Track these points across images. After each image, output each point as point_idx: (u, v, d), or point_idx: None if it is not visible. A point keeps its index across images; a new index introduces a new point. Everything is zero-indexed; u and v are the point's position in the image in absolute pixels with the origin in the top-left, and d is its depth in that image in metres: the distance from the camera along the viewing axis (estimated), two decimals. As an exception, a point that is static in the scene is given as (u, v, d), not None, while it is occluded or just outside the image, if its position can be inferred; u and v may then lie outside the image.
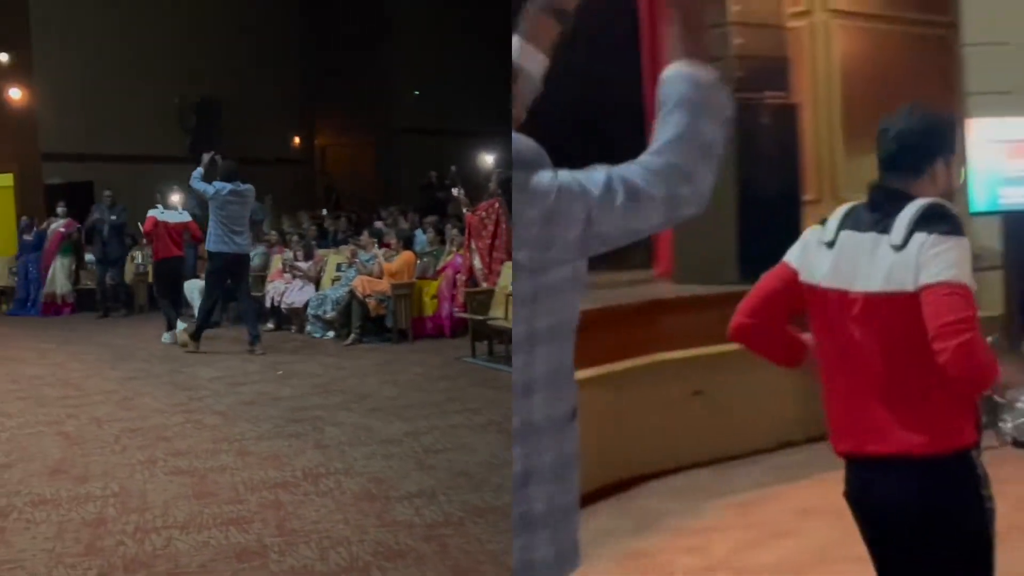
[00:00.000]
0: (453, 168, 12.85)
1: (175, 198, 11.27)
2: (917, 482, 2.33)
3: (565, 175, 1.70)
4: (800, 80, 7.45)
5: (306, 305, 10.44)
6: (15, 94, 16.51)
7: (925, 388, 2.30)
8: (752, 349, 2.66)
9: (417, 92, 20.11)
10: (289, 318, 10.80)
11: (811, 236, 2.51)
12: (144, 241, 10.73)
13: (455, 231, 10.31)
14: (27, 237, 13.91)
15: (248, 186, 9.39)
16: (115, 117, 17.23)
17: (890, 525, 2.41)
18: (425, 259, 10.38)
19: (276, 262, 11.42)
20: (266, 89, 19.99)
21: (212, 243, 9.18)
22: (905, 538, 2.40)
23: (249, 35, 19.60)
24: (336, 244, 12.71)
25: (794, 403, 6.40)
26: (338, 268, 10.84)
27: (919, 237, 2.27)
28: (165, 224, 10.03)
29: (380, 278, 9.82)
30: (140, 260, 13.05)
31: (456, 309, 9.59)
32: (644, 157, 1.71)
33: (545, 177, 1.67)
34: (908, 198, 2.34)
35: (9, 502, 4.73)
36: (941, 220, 2.28)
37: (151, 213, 10.10)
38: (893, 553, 2.45)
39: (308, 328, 10.36)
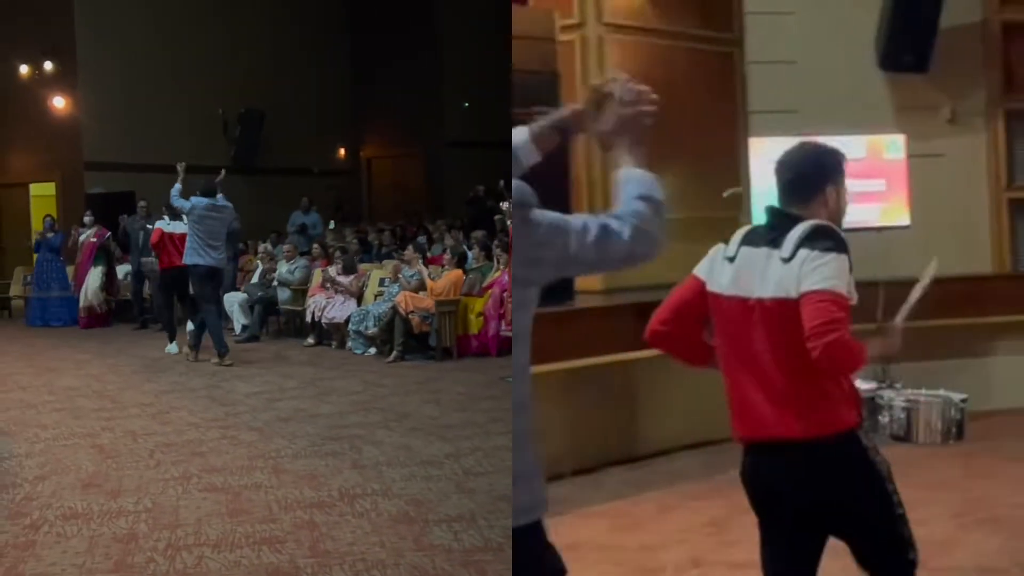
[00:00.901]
0: (502, 182, 12.85)
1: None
2: (807, 463, 2.82)
3: (553, 214, 2.25)
4: (572, 95, 7.33)
5: (347, 320, 10.49)
6: (59, 103, 16.84)
7: (808, 381, 2.79)
8: (666, 352, 3.16)
9: (467, 104, 20.20)
10: (330, 333, 10.86)
11: (717, 252, 3.01)
12: (153, 255, 11.08)
13: (499, 250, 10.31)
14: (49, 235, 14.02)
15: (227, 202, 9.69)
16: (158, 127, 17.50)
17: (783, 503, 2.89)
18: (471, 275, 10.38)
19: (317, 276, 11.49)
20: (312, 100, 20.20)
21: (188, 256, 9.54)
22: (805, 514, 2.87)
23: (295, 46, 19.84)
24: (380, 258, 12.78)
25: (560, 436, 6.49)
26: (381, 283, 10.89)
27: (803, 252, 2.77)
28: (171, 235, 10.28)
29: (424, 293, 9.85)
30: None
31: (505, 327, 9.58)
32: (616, 210, 2.29)
33: (537, 213, 2.22)
34: (799, 220, 2.84)
35: (41, 515, 4.80)
36: (825, 238, 2.78)
37: (158, 225, 10.48)
38: (790, 530, 2.91)
39: (349, 344, 10.41)
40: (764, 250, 2.86)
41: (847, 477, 2.83)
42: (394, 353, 9.68)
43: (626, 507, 6.00)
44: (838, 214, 2.93)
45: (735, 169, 8.05)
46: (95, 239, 13.50)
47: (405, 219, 16.77)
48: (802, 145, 3.04)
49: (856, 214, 7.47)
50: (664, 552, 5.23)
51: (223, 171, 10.16)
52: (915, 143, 7.99)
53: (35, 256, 14.28)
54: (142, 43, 17.38)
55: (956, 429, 2.54)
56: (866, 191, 7.80)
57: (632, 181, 2.32)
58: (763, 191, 7.18)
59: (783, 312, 2.78)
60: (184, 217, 9.90)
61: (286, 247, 12.71)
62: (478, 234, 11.60)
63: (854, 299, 2.80)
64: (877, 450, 2.86)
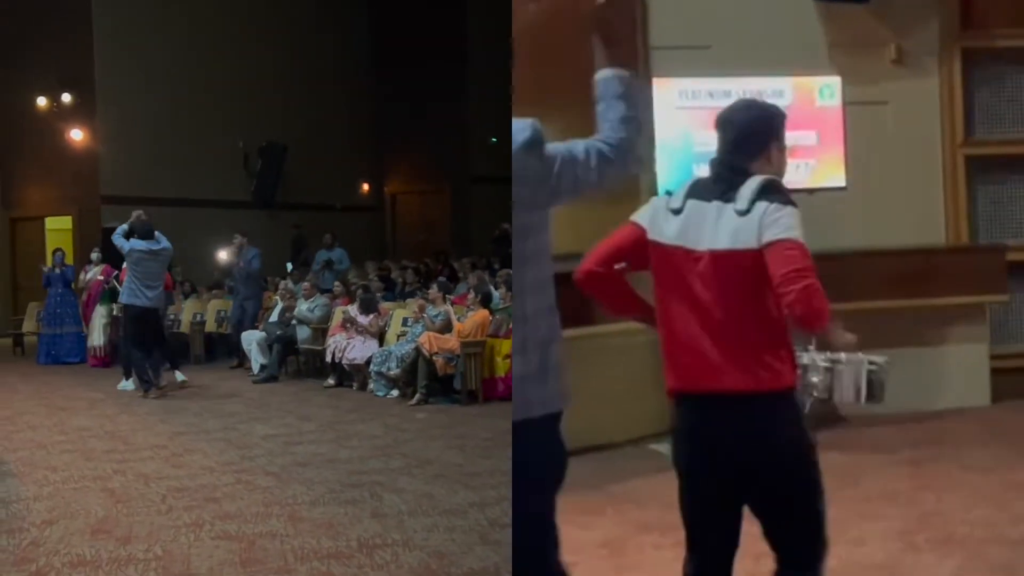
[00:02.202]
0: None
1: (222, 254, 12.77)
2: (747, 417, 2.90)
3: (560, 146, 2.73)
4: None
5: (369, 361, 10.46)
6: (76, 135, 17.01)
7: (755, 334, 2.92)
8: (595, 295, 3.23)
9: (494, 139, 20.28)
10: (351, 374, 10.82)
11: (659, 203, 3.12)
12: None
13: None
14: (57, 270, 14.10)
15: (164, 245, 10.34)
16: (178, 160, 17.66)
17: (724, 457, 2.94)
18: (498, 316, 10.33)
19: (338, 315, 11.48)
20: (335, 134, 20.35)
21: (124, 296, 10.34)
22: (739, 470, 2.93)
23: (319, 78, 20.03)
24: (404, 297, 12.76)
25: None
26: (404, 323, 10.86)
27: (761, 205, 2.90)
28: None
29: (449, 333, 9.80)
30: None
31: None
32: (604, 134, 2.76)
33: (550, 148, 2.72)
34: (748, 174, 2.98)
35: (48, 562, 4.76)
36: (778, 192, 2.94)
37: None
38: (723, 487, 2.98)
39: (370, 386, 10.37)
40: (715, 204, 2.98)
41: (786, 435, 2.93)
42: (417, 396, 9.63)
43: (501, 523, 5.24)
44: (781, 172, 3.09)
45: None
46: (101, 277, 13.57)
47: (430, 256, 16.78)
48: (746, 103, 3.23)
49: None
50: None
51: (140, 212, 10.83)
52: (853, 87, 7.02)
53: (46, 292, 14.34)
54: (162, 75, 17.57)
55: (879, 390, 3.06)
56: (793, 144, 6.95)
57: (613, 101, 2.79)
58: (671, 141, 6.53)
59: (739, 263, 2.90)
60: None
61: (305, 284, 12.72)
62: (505, 273, 11.57)
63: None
64: (806, 419, 3.01)
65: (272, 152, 19.12)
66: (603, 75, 2.79)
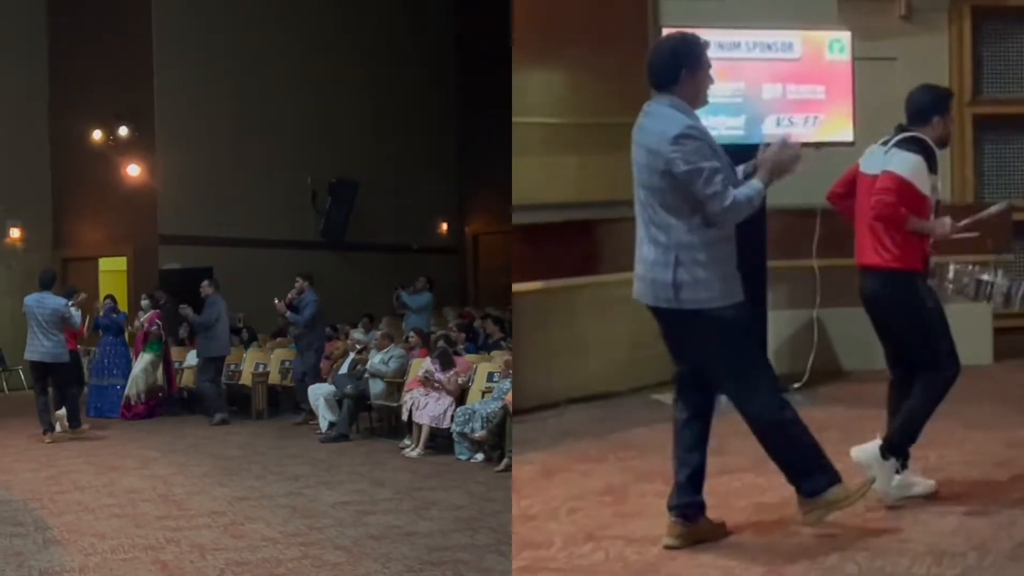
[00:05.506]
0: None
1: (276, 301, 13.20)
2: (877, 281, 5.16)
3: (708, 162, 4.47)
4: None
5: (451, 420, 10.23)
6: (133, 170, 17.19)
7: (888, 230, 5.05)
8: (839, 206, 5.50)
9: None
10: (430, 434, 10.60)
11: (868, 150, 5.29)
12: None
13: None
14: (114, 315, 14.16)
15: (52, 297, 11.52)
16: (241, 197, 17.80)
17: (869, 307, 5.26)
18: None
19: (416, 367, 11.29)
20: (411, 169, 20.39)
21: (27, 349, 11.61)
22: (879, 314, 5.25)
23: (394, 111, 20.13)
24: (488, 348, 12.54)
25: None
26: (490, 378, 10.62)
27: (895, 150, 5.06)
28: None
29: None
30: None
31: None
32: (736, 190, 4.47)
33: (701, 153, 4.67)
34: (907, 131, 5.14)
35: (91, 645, 4.61)
36: (913, 144, 5.06)
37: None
38: (878, 324, 5.29)
39: (425, 447, 10.20)
40: (881, 148, 5.17)
41: (897, 296, 5.13)
42: (505, 460, 9.35)
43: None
44: (942, 136, 5.18)
45: (640, 64, 7.63)
46: (147, 324, 13.65)
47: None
48: (922, 86, 5.24)
49: (789, 126, 7.30)
50: (552, 523, 5.18)
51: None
52: (862, 43, 7.57)
53: (97, 335, 14.44)
54: (224, 106, 17.76)
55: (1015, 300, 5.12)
56: (801, 98, 7.41)
57: (754, 190, 4.49)
58: None
59: (874, 184, 5.06)
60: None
61: (378, 333, 12.58)
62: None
63: (933, 198, 5.09)
64: (931, 292, 5.17)
65: (342, 189, 19.17)
66: (756, 184, 4.53)
